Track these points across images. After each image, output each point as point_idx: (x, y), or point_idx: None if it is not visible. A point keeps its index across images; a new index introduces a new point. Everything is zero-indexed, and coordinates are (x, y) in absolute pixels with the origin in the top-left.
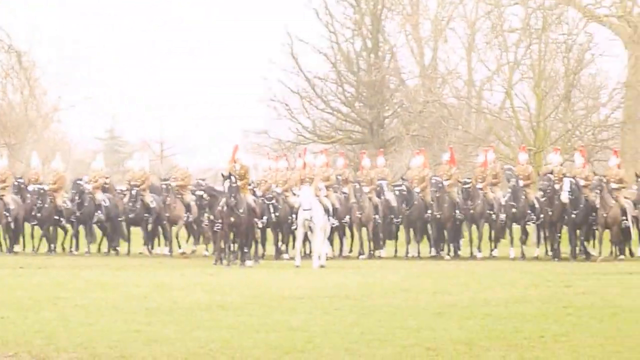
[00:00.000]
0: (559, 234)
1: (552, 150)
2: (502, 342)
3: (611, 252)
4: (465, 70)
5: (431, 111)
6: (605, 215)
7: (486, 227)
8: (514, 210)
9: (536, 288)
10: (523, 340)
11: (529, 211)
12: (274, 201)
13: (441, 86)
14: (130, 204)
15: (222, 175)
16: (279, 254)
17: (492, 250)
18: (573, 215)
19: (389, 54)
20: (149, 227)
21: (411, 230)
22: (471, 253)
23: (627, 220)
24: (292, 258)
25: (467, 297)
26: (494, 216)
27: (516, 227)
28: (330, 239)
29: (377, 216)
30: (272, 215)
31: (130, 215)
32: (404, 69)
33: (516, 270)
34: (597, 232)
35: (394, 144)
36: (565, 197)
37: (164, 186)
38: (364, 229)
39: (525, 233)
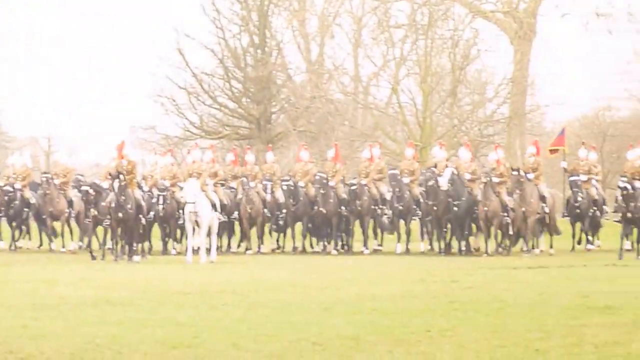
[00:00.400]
0: (445, 229)
1: (437, 144)
2: (388, 336)
3: (500, 245)
4: (352, 66)
5: (318, 107)
6: (486, 209)
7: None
8: (399, 205)
9: (423, 283)
10: (410, 335)
11: (414, 206)
12: (163, 195)
13: (328, 82)
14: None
15: (110, 175)
16: (166, 249)
17: (379, 245)
18: (455, 209)
19: (275, 49)
20: (27, 222)
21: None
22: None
23: (507, 216)
24: (179, 253)
25: (354, 292)
26: (379, 211)
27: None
28: (220, 235)
29: (266, 210)
30: (160, 209)
31: (10, 212)
32: (291, 64)
33: (403, 265)
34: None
35: (281, 140)
36: (444, 182)
37: (43, 179)
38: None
39: (410, 228)
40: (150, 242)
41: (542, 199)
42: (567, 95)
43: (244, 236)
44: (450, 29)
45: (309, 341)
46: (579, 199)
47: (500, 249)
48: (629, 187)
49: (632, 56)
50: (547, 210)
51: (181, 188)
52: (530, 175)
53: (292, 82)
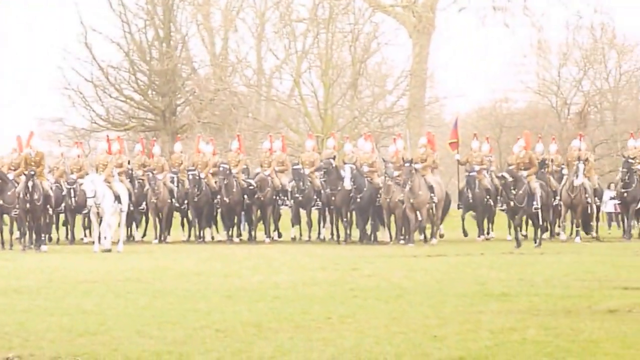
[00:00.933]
0: (346, 219)
1: (330, 135)
2: (290, 323)
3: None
4: (255, 59)
5: (222, 99)
6: (388, 200)
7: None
8: (299, 196)
9: (324, 271)
10: (311, 321)
11: (315, 196)
12: (73, 187)
13: (231, 75)
14: None
15: (25, 174)
16: (73, 239)
17: (278, 234)
18: (358, 200)
19: (180, 43)
20: None
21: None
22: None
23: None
24: (89, 243)
25: (257, 280)
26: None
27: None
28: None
29: (173, 200)
30: (71, 200)
31: None
32: (195, 57)
33: (305, 253)
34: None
35: (186, 131)
36: (347, 184)
37: None
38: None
39: (310, 217)
40: (58, 231)
41: (431, 189)
42: (465, 87)
43: (152, 226)
44: (350, 23)
45: (212, 328)
46: (475, 190)
47: (401, 238)
48: (507, 176)
49: (528, 49)
50: (435, 200)
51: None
52: (418, 166)
53: (197, 75)
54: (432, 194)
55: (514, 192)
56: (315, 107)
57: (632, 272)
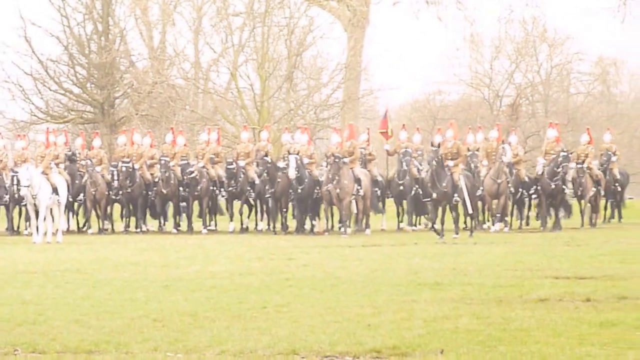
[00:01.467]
0: (285, 209)
1: (264, 127)
2: (226, 313)
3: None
4: (193, 53)
5: (160, 92)
6: (338, 191)
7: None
8: (233, 188)
9: (260, 261)
10: (246, 311)
11: (249, 187)
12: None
13: (169, 68)
14: None
15: None
16: (13, 230)
17: (215, 225)
18: (299, 191)
19: (119, 37)
20: None
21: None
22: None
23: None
24: (29, 234)
25: (194, 270)
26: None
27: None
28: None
29: (111, 192)
30: (13, 192)
31: None
32: (133, 51)
33: (242, 244)
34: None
35: (124, 124)
36: (292, 173)
37: None
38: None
39: (250, 208)
40: None
41: (358, 181)
42: (399, 80)
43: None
44: (286, 16)
45: (150, 318)
46: (405, 179)
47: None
48: (432, 167)
49: (461, 42)
50: (361, 192)
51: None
52: (346, 159)
53: (135, 68)
54: (358, 186)
55: (438, 184)
56: (252, 100)
57: (562, 261)
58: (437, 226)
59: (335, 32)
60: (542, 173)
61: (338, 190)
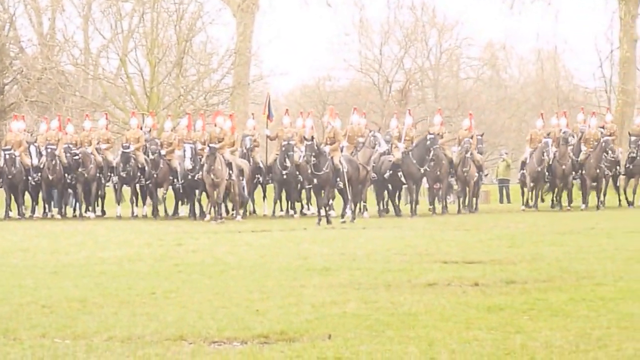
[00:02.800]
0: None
1: (149, 114)
2: (115, 299)
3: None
4: (82, 39)
5: (49, 78)
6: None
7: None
8: (123, 173)
9: (149, 247)
10: (135, 297)
11: (139, 173)
12: None
13: (59, 54)
14: None
15: None
16: None
17: (102, 211)
18: (197, 178)
19: (8, 23)
20: None
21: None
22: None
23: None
24: None
25: (83, 256)
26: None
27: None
28: None
29: (30, 177)
30: None
31: None
32: (23, 37)
33: (132, 230)
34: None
35: (14, 110)
36: (188, 164)
37: None
38: None
39: (135, 194)
40: None
41: (229, 166)
42: (288, 65)
43: None
44: (175, 2)
45: (38, 304)
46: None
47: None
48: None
49: (350, 28)
50: (233, 177)
51: None
52: (215, 145)
53: (24, 55)
54: (230, 171)
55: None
56: (142, 86)
57: (451, 246)
58: (323, 211)
59: (224, 17)
60: None
61: (213, 177)
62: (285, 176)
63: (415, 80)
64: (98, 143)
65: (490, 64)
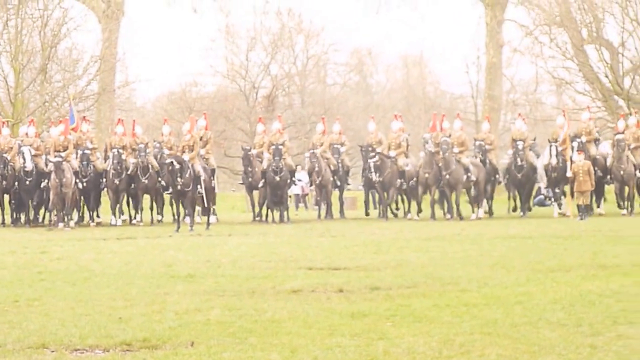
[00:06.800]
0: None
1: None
2: None
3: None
4: None
5: None
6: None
7: None
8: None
9: (13, 254)
10: None
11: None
12: None
13: None
14: None
15: None
16: None
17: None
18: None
19: None
20: None
21: None
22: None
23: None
24: None
25: None
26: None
27: None
28: None
29: None
30: None
31: None
32: None
33: None
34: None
35: None
36: (29, 165)
37: None
38: None
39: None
40: None
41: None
42: (155, 71)
43: None
44: (40, 8)
45: None
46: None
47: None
48: (174, 162)
49: (216, 34)
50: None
51: None
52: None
53: None
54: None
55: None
56: (6, 92)
57: (316, 252)
58: (178, 219)
59: (89, 24)
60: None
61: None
62: (145, 181)
63: (282, 86)
64: None
65: (357, 70)
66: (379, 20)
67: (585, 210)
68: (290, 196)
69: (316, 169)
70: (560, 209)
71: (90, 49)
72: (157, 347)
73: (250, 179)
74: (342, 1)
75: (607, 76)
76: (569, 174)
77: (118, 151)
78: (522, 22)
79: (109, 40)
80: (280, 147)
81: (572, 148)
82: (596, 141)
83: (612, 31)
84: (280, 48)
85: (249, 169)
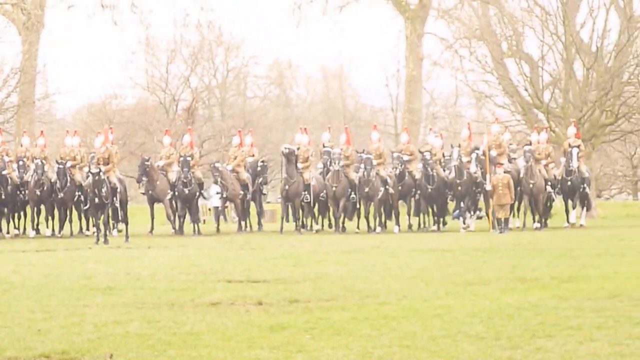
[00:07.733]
0: None
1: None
2: None
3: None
4: None
5: None
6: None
7: None
8: None
9: None
10: None
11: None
12: None
13: None
14: None
15: None
16: None
17: None
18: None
19: None
20: None
21: None
22: None
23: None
24: None
25: None
26: None
27: None
28: None
29: None
30: None
31: None
32: None
33: None
34: None
35: None
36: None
37: None
38: None
39: None
40: None
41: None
42: (75, 83)
43: None
44: None
45: None
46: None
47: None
48: (94, 173)
49: (136, 46)
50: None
51: None
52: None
53: None
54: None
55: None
56: None
57: (236, 265)
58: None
59: (9, 35)
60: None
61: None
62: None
63: (202, 98)
64: None
65: (277, 83)
66: (299, 33)
67: (505, 224)
68: (209, 209)
69: (219, 182)
70: (464, 223)
71: (10, 61)
72: (76, 359)
73: (150, 192)
74: (262, 14)
75: (526, 90)
76: (488, 187)
77: (41, 162)
78: (442, 35)
79: (29, 52)
80: (188, 159)
81: (471, 160)
82: (510, 154)
83: (532, 45)
84: (201, 60)
85: (144, 177)
